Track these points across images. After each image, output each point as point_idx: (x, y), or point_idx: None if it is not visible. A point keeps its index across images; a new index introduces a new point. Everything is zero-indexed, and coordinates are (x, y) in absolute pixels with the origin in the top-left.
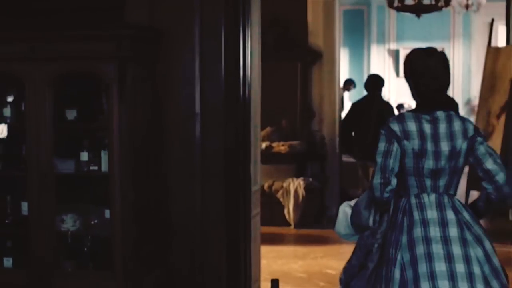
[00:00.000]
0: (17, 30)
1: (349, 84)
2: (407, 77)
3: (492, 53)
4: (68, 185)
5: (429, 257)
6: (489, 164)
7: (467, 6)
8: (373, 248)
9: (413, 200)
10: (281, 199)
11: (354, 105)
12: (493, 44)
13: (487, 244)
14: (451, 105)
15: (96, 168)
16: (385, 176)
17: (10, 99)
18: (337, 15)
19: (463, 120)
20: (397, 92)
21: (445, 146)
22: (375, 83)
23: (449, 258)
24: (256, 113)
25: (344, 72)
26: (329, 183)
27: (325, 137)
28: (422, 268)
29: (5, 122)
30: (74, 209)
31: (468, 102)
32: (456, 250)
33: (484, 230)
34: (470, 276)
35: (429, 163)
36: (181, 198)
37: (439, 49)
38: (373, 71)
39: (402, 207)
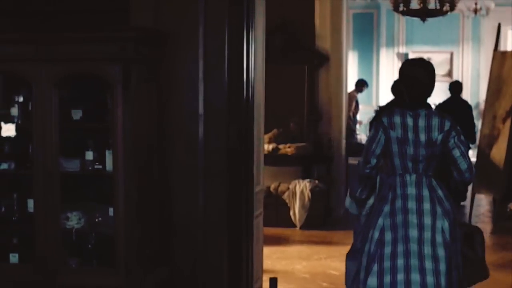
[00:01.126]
0: (24, 32)
1: (362, 85)
2: (400, 82)
3: (499, 57)
4: (73, 183)
5: (406, 224)
6: (456, 154)
7: (475, 10)
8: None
9: (398, 179)
10: (287, 201)
11: (440, 105)
12: (502, 48)
13: (453, 216)
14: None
15: (100, 167)
16: (367, 156)
17: (18, 99)
18: (344, 19)
19: (442, 117)
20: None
21: (423, 137)
22: (457, 87)
23: (420, 226)
24: (259, 115)
25: (353, 74)
26: (335, 185)
27: (331, 139)
28: (400, 232)
29: (13, 122)
30: (79, 207)
31: (477, 106)
32: (427, 220)
33: (453, 205)
34: (433, 242)
35: (410, 149)
36: (184, 197)
37: (448, 53)
38: (382, 74)
39: (389, 184)
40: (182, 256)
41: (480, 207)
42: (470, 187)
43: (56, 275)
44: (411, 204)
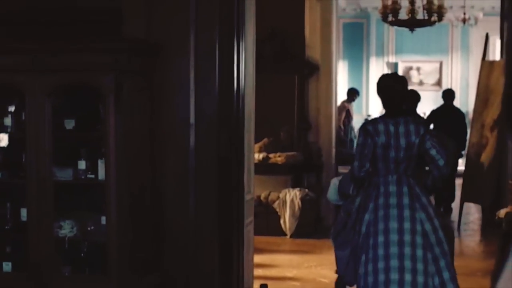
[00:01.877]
0: (18, 42)
1: (353, 94)
2: (378, 94)
3: (487, 66)
4: (66, 192)
5: (386, 218)
6: (433, 153)
7: (464, 20)
8: (351, 211)
9: (381, 179)
10: (277, 210)
11: (433, 113)
12: (490, 57)
13: (430, 210)
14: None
15: (93, 176)
16: (362, 160)
17: (10, 109)
18: (334, 28)
19: (417, 123)
20: None
21: (403, 141)
22: (450, 95)
23: (400, 219)
24: (250, 123)
25: (343, 84)
26: (325, 194)
27: (321, 148)
28: (381, 225)
29: (6, 132)
30: (72, 215)
31: (466, 115)
32: (406, 213)
33: (429, 200)
34: (413, 232)
35: (392, 153)
36: (175, 205)
37: (437, 62)
38: (372, 83)
39: (374, 183)
40: (173, 264)
41: (469, 215)
42: (458, 196)
43: (49, 283)
44: (392, 200)
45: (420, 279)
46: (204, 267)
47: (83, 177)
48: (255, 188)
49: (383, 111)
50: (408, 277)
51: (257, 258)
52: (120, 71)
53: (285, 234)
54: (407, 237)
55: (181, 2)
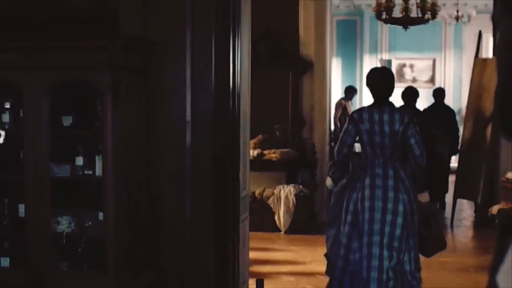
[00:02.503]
0: (16, 40)
1: (352, 91)
2: (367, 85)
3: (480, 64)
4: (63, 188)
5: (372, 197)
6: (412, 142)
7: (457, 18)
8: (337, 192)
9: (369, 162)
10: (272, 206)
11: (424, 111)
12: (483, 55)
13: (412, 194)
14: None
15: (90, 172)
16: (340, 146)
17: (8, 105)
18: (328, 26)
19: (402, 112)
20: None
21: (387, 128)
22: (440, 93)
23: (384, 199)
24: (245, 121)
25: (337, 81)
26: (319, 190)
27: (315, 145)
28: (367, 203)
29: (4, 128)
30: (69, 211)
31: (459, 112)
32: (390, 194)
33: (412, 185)
34: (394, 211)
35: (377, 139)
36: (172, 202)
37: (431, 60)
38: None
39: (362, 166)
40: (169, 260)
41: (462, 211)
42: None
43: (46, 279)
44: (378, 181)
45: (395, 254)
46: (200, 263)
47: (80, 173)
48: (250, 185)
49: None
50: (385, 253)
51: (252, 254)
52: (116, 68)
53: (279, 230)
54: (389, 217)
55: (178, 1)
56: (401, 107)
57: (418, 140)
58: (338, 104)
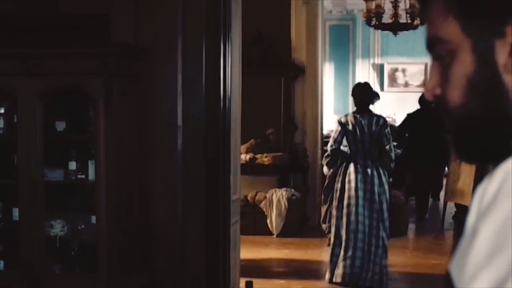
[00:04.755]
0: (10, 47)
1: (373, 97)
2: (352, 96)
3: None
4: (57, 192)
5: (356, 180)
6: (384, 139)
7: None
8: (331, 178)
9: (352, 155)
10: (264, 209)
11: (409, 116)
12: None
13: (384, 177)
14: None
15: (83, 176)
16: (333, 143)
17: (2, 111)
18: (319, 31)
19: (378, 117)
20: (382, 105)
21: (366, 129)
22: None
23: (365, 181)
24: (236, 125)
25: (329, 85)
26: (311, 194)
27: (307, 149)
28: (352, 184)
29: None
30: (62, 215)
31: None
32: (368, 178)
33: (387, 178)
34: (372, 190)
35: (359, 137)
36: (163, 206)
37: (422, 64)
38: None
39: (348, 157)
40: (161, 263)
41: (452, 214)
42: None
43: (40, 281)
44: (360, 169)
45: (371, 232)
46: (191, 266)
47: (73, 177)
48: (242, 189)
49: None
50: (361, 227)
51: (244, 257)
52: (109, 75)
53: (271, 234)
54: (368, 195)
55: (168, 7)
56: (417, 110)
57: (389, 138)
58: None
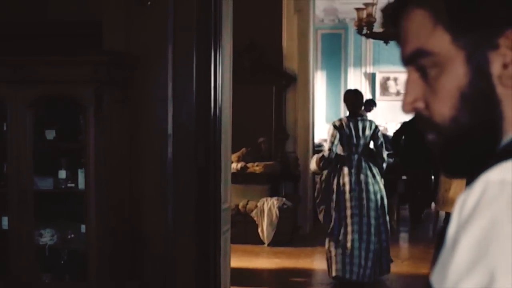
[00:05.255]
0: (0, 55)
1: (371, 105)
2: (344, 102)
3: None
4: (46, 201)
5: (351, 181)
6: (377, 142)
7: None
8: (327, 179)
9: (347, 157)
10: (255, 218)
11: (405, 124)
12: None
13: (378, 177)
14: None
15: (73, 185)
16: (331, 146)
17: None
18: (311, 40)
19: (370, 121)
20: (373, 114)
21: (360, 133)
22: None
23: (358, 181)
24: (227, 134)
25: (322, 94)
26: (302, 203)
27: (298, 158)
28: (347, 186)
29: None
30: (52, 224)
31: None
32: (362, 177)
33: (381, 176)
34: (367, 189)
35: (353, 140)
36: (154, 214)
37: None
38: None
39: (343, 161)
40: (151, 271)
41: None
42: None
43: None
44: (354, 170)
45: (369, 228)
46: (182, 274)
47: (63, 186)
48: (233, 197)
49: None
50: (355, 218)
51: (235, 266)
52: (99, 83)
53: (263, 243)
54: (362, 193)
55: (159, 15)
56: (413, 118)
57: (382, 141)
58: None
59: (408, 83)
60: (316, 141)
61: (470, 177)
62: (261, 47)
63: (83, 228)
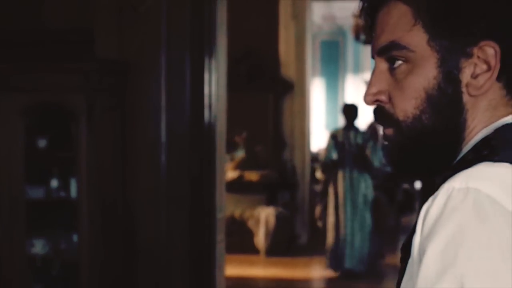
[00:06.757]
0: None
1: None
2: (342, 113)
3: None
4: (38, 210)
5: (346, 186)
6: (368, 150)
7: None
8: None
9: (341, 162)
10: (251, 227)
11: None
12: None
13: (369, 181)
14: None
15: (65, 194)
16: (329, 153)
17: None
18: (308, 47)
19: (365, 133)
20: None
21: (353, 141)
22: None
23: (351, 186)
24: (221, 142)
25: (320, 101)
26: (299, 212)
27: (295, 166)
28: (341, 188)
29: None
30: (44, 234)
31: None
32: (356, 182)
33: (372, 180)
34: (357, 191)
35: (347, 148)
36: (147, 224)
37: None
38: (348, 100)
39: (337, 165)
40: (145, 282)
41: None
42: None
43: None
44: (348, 175)
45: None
46: (176, 285)
47: (55, 195)
48: (230, 206)
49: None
50: (348, 222)
51: (231, 276)
52: (91, 90)
53: (259, 252)
54: (354, 196)
55: (152, 22)
56: None
57: (374, 147)
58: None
59: (374, 74)
60: (315, 150)
61: (426, 182)
62: (257, 54)
63: (75, 238)
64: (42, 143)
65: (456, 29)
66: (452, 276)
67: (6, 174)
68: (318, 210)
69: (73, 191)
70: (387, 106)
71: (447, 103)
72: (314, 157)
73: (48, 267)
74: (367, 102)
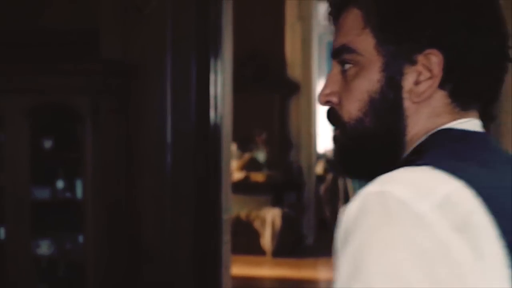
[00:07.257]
0: None
1: None
2: None
3: None
4: (44, 211)
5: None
6: None
7: None
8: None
9: None
10: (258, 228)
11: None
12: None
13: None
14: None
15: (71, 195)
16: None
17: None
18: (315, 48)
19: None
20: None
21: None
22: None
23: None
24: (227, 143)
25: None
26: (306, 212)
27: (302, 167)
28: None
29: None
30: (50, 234)
31: None
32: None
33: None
34: None
35: None
36: (152, 224)
37: None
38: None
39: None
40: (150, 282)
41: None
42: None
43: None
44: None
45: None
46: (182, 286)
47: (60, 196)
48: (236, 207)
49: None
50: None
51: (237, 277)
52: (96, 92)
53: (265, 253)
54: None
55: (157, 23)
56: None
57: None
58: None
59: (329, 76)
60: (321, 151)
61: (361, 179)
62: (263, 55)
63: (81, 238)
64: (47, 144)
65: (402, 35)
66: (361, 277)
67: (12, 175)
68: (327, 209)
69: (79, 192)
70: (337, 108)
71: (388, 107)
72: (321, 158)
73: (53, 267)
74: (320, 102)
